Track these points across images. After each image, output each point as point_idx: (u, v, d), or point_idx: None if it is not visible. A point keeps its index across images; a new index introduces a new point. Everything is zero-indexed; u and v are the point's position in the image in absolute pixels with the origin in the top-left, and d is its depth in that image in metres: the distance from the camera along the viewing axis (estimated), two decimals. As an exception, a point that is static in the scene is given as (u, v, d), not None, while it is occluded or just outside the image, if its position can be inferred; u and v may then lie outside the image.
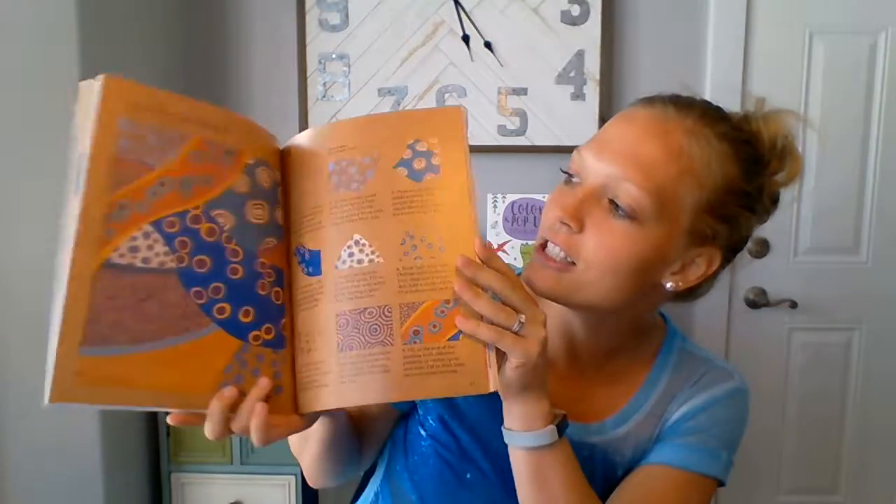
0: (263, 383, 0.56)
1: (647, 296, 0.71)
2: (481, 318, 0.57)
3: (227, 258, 0.56)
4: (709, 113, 0.68)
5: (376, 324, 0.57)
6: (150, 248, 0.52)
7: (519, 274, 0.73)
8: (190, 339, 0.53)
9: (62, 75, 1.30)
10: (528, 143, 1.80)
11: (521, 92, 1.78)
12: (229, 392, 0.54)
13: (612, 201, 0.66)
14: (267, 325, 0.58)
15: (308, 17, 1.75)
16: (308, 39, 1.76)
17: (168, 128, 0.54)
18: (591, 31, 1.75)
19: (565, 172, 0.71)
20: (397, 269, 0.57)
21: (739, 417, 0.77)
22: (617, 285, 0.67)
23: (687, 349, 0.80)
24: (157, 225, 0.53)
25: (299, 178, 0.61)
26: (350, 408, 0.77)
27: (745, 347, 1.88)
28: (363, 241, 0.58)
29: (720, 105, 0.71)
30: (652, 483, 0.73)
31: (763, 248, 1.81)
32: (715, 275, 0.71)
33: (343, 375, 0.57)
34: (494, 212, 1.77)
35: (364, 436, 0.81)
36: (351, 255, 0.58)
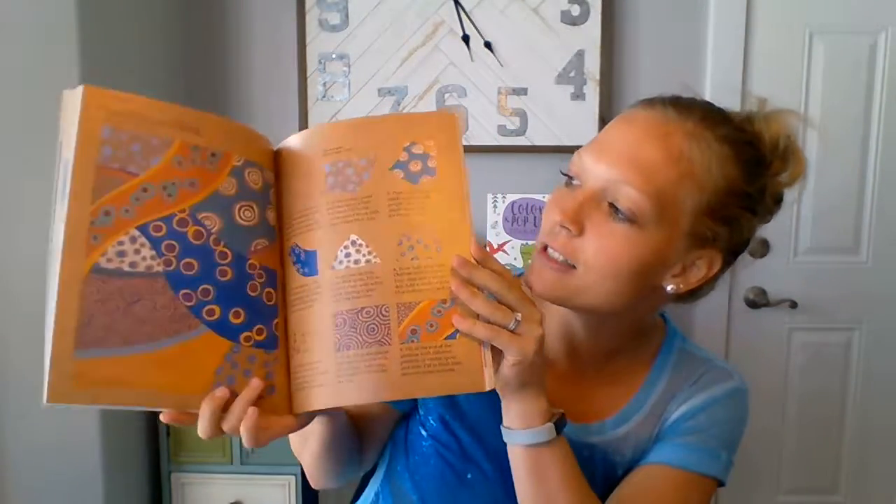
0: (255, 384, 0.56)
1: (648, 298, 0.71)
2: (478, 317, 0.57)
3: (216, 260, 0.56)
4: (710, 115, 0.68)
5: (374, 323, 0.57)
6: (137, 252, 0.53)
7: (520, 275, 0.74)
8: (180, 341, 0.54)
9: (62, 75, 1.30)
10: (528, 143, 1.80)
11: (521, 92, 1.78)
12: (221, 393, 0.55)
13: (611, 205, 0.65)
14: (258, 326, 0.58)
15: (308, 17, 1.75)
16: (308, 39, 1.76)
17: (151, 134, 0.55)
18: (591, 31, 1.75)
19: (565, 175, 0.71)
20: (394, 269, 0.58)
21: (739, 417, 0.77)
22: (617, 289, 0.67)
23: (687, 349, 0.80)
24: (143, 229, 0.54)
25: (293, 180, 0.61)
26: (348, 407, 0.77)
27: (745, 347, 1.88)
28: (360, 241, 0.58)
29: (721, 105, 0.71)
30: (651, 482, 0.73)
31: (763, 248, 1.81)
32: (716, 277, 0.71)
33: (341, 375, 0.57)
34: (494, 212, 1.77)
35: (365, 436, 0.81)
36: (348, 255, 0.58)
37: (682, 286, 0.70)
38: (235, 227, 0.58)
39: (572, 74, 1.77)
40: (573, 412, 0.72)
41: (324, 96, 1.78)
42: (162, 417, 0.55)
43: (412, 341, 0.57)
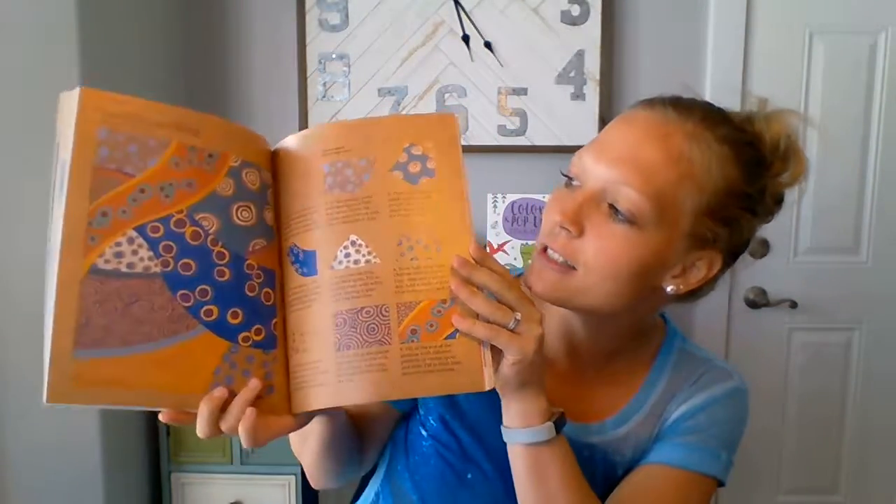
0: (253, 384, 0.56)
1: (648, 299, 0.71)
2: (477, 316, 0.58)
3: (214, 261, 0.56)
4: (710, 115, 0.68)
5: (374, 323, 0.57)
6: (134, 253, 0.54)
7: (519, 275, 0.74)
8: (178, 342, 0.54)
9: (62, 75, 1.30)
10: (528, 143, 1.80)
11: (521, 92, 1.78)
12: (219, 393, 0.55)
13: (611, 206, 0.65)
14: (257, 326, 0.58)
15: (308, 17, 1.75)
16: (308, 39, 1.76)
17: (147, 135, 0.55)
18: (591, 31, 1.75)
19: (565, 175, 0.71)
20: (394, 269, 0.58)
21: (739, 417, 0.77)
22: (617, 289, 0.67)
23: (687, 349, 0.80)
24: (140, 230, 0.54)
25: (291, 180, 0.62)
26: (348, 407, 0.77)
27: (745, 347, 1.88)
28: (360, 241, 0.59)
29: (722, 106, 0.71)
30: (651, 482, 0.73)
31: (763, 248, 1.81)
32: (716, 277, 0.71)
33: (341, 374, 0.57)
34: (494, 212, 1.77)
35: (365, 436, 0.81)
36: (347, 255, 0.58)
37: (681, 287, 0.69)
38: (233, 228, 0.58)
39: (572, 74, 1.77)
40: (573, 412, 0.72)
41: (324, 96, 1.78)
42: (161, 417, 0.55)
43: (412, 341, 0.57)
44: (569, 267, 0.67)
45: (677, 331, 0.82)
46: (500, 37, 1.76)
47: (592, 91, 1.77)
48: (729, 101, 0.73)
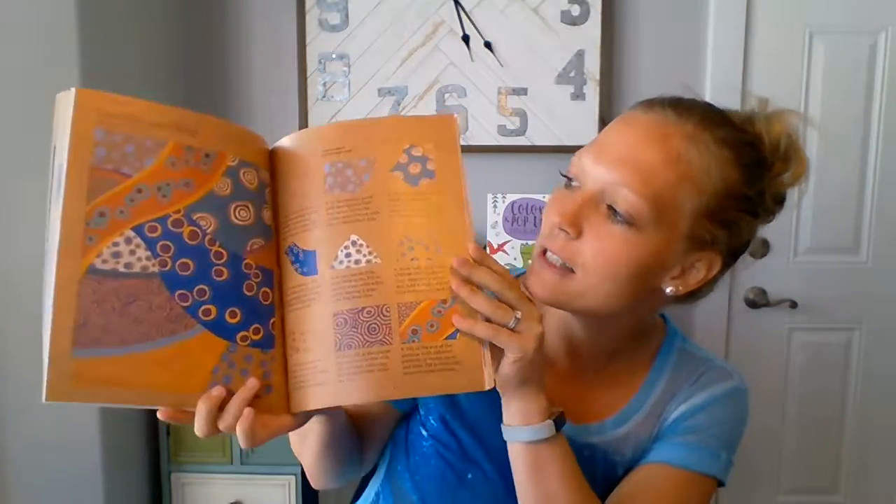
0: (251, 384, 0.56)
1: (647, 300, 0.71)
2: (478, 316, 0.58)
3: (212, 260, 0.56)
4: (709, 117, 0.68)
5: (374, 323, 0.57)
6: (132, 252, 0.54)
7: (519, 275, 0.74)
8: (176, 341, 0.54)
9: (62, 75, 1.30)
10: (528, 143, 1.80)
11: (521, 92, 1.78)
12: (217, 392, 0.55)
13: (610, 207, 0.65)
14: (255, 326, 0.58)
15: (308, 17, 1.75)
16: (308, 39, 1.76)
17: (144, 135, 0.55)
18: (591, 31, 1.75)
19: (565, 176, 0.71)
20: (395, 269, 0.58)
21: (739, 417, 0.77)
22: (616, 291, 0.67)
23: (686, 349, 0.80)
24: (138, 230, 0.54)
25: (290, 179, 0.61)
26: (349, 406, 0.77)
27: (745, 347, 1.88)
28: (360, 241, 0.59)
29: (722, 106, 0.71)
30: (652, 482, 0.73)
31: (763, 248, 1.81)
32: (715, 278, 0.71)
33: (341, 374, 0.57)
34: (494, 212, 1.77)
35: (365, 436, 0.81)
36: (348, 255, 0.59)
37: (681, 288, 0.69)
38: (231, 227, 0.58)
39: (572, 74, 1.77)
40: (573, 412, 0.72)
41: (324, 96, 1.79)
42: (159, 415, 0.55)
43: (413, 341, 0.57)
44: (567, 270, 0.67)
45: (677, 331, 0.82)
46: (500, 37, 1.76)
47: (592, 91, 1.77)
48: (729, 101, 0.73)
